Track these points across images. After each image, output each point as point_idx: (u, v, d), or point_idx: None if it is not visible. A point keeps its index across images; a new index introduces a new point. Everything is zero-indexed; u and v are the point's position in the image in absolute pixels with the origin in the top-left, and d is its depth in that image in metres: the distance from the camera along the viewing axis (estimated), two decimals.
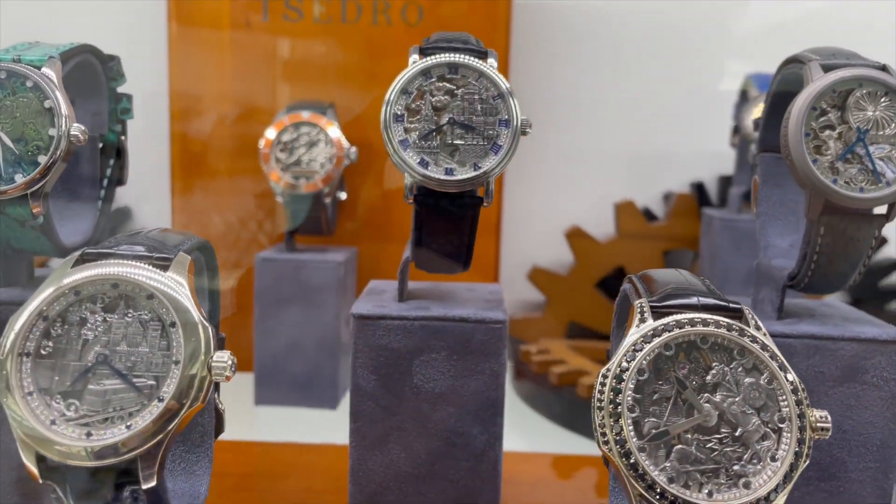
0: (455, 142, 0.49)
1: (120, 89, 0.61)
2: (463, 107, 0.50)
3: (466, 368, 0.52)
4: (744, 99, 1.01)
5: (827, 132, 0.49)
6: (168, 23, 0.99)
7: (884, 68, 0.51)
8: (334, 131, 0.90)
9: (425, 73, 0.50)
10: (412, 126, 0.49)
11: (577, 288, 1.11)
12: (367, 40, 1.00)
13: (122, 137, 0.62)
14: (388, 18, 1.00)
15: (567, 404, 0.91)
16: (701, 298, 0.37)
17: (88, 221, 0.59)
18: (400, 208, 1.03)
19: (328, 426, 0.89)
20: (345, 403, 0.95)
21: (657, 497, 0.33)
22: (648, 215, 1.15)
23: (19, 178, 0.49)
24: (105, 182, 0.61)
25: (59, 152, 0.49)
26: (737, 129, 1.03)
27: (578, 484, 0.74)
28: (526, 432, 0.91)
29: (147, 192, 1.15)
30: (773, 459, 0.34)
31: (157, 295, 0.35)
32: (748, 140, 0.94)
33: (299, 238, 0.96)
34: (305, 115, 0.91)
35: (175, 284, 0.35)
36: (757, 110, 0.93)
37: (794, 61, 0.54)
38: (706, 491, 0.33)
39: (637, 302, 0.37)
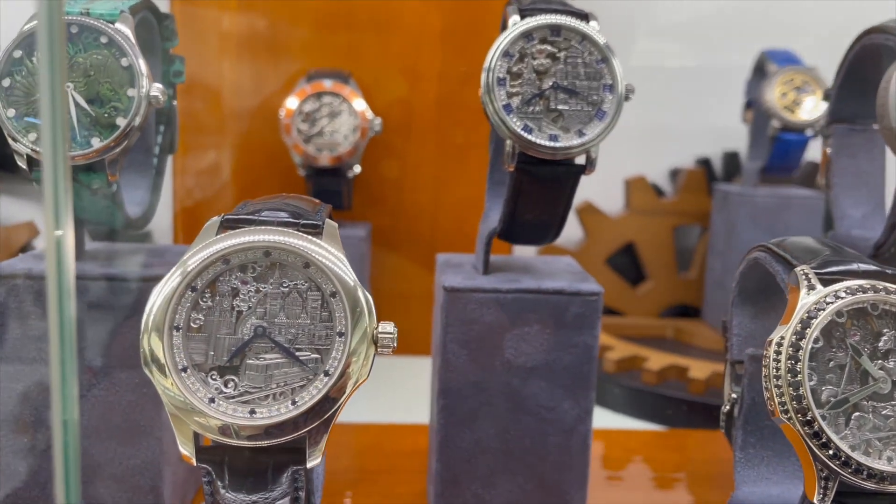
0: (559, 107, 0.48)
1: (172, 50, 0.57)
2: (566, 71, 0.48)
3: (560, 342, 0.51)
4: (760, 74, 1.01)
5: None
6: None
7: None
8: (358, 101, 0.87)
9: (527, 35, 0.48)
10: (514, 90, 0.48)
11: (588, 263, 1.10)
12: (381, 6, 0.97)
13: (174, 102, 0.58)
14: None
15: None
16: (861, 265, 0.36)
17: (146, 191, 0.55)
18: (412, 182, 1.01)
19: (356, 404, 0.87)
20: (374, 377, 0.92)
21: (841, 465, 0.32)
22: (657, 191, 1.15)
23: (96, 143, 0.45)
24: (157, 150, 0.57)
25: (139, 116, 0.46)
26: (750, 104, 1.04)
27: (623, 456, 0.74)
28: None
29: None
30: None
31: (316, 263, 0.32)
32: (766, 115, 0.95)
33: None
34: (328, 84, 0.87)
35: (329, 253, 0.33)
36: (779, 85, 0.94)
37: (877, 31, 0.54)
38: (886, 457, 0.33)
39: (801, 269, 0.36)
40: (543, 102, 0.48)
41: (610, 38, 1.21)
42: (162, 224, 1.13)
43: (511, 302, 0.50)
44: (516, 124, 0.47)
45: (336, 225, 0.35)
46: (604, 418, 0.86)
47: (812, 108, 0.93)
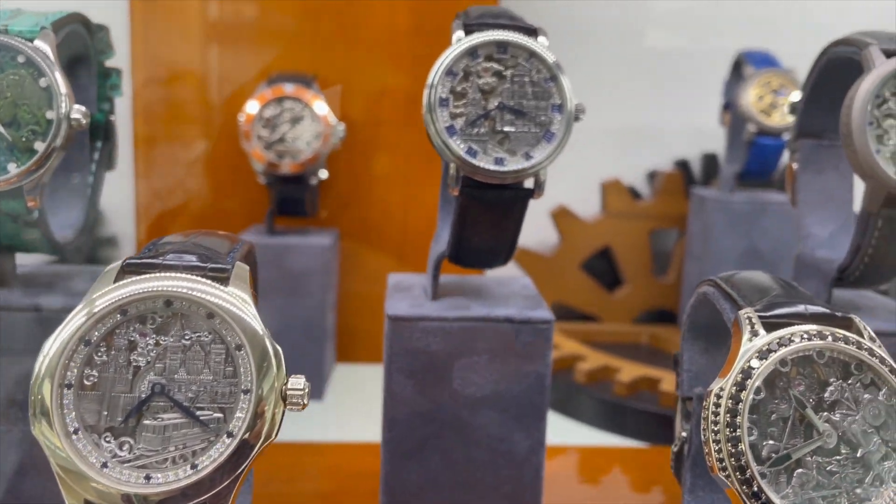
0: (505, 129, 0.45)
1: (108, 63, 0.55)
2: (513, 90, 0.46)
3: (510, 371, 0.49)
4: (737, 76, 0.99)
5: (889, 121, 0.47)
6: None
7: None
8: (320, 106, 0.85)
9: (472, 52, 0.45)
10: (458, 111, 0.45)
11: (563, 268, 1.09)
12: (347, 6, 0.94)
13: (111, 117, 0.55)
14: None
15: (563, 391, 0.88)
16: (808, 306, 0.34)
17: (79, 212, 0.53)
18: (382, 188, 0.98)
19: (317, 419, 0.85)
20: (330, 392, 0.91)
21: None
22: (633, 194, 1.13)
23: (13, 168, 0.43)
24: (93, 167, 0.55)
25: (58, 138, 0.43)
26: (727, 106, 1.01)
27: (592, 476, 0.72)
28: None
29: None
30: None
31: (220, 313, 0.30)
32: (742, 118, 0.93)
33: (279, 220, 0.90)
34: (289, 88, 0.85)
35: (238, 300, 0.31)
36: (755, 88, 0.91)
37: (844, 44, 0.52)
38: None
39: (744, 313, 0.34)
40: (489, 123, 0.45)
41: (587, 37, 1.19)
42: (126, 230, 1.11)
43: (458, 331, 0.48)
44: (460, 147, 0.45)
45: (247, 267, 0.32)
46: (574, 431, 0.85)
47: (789, 111, 0.91)
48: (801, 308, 0.34)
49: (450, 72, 0.45)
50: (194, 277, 0.30)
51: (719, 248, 0.95)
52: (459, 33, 0.46)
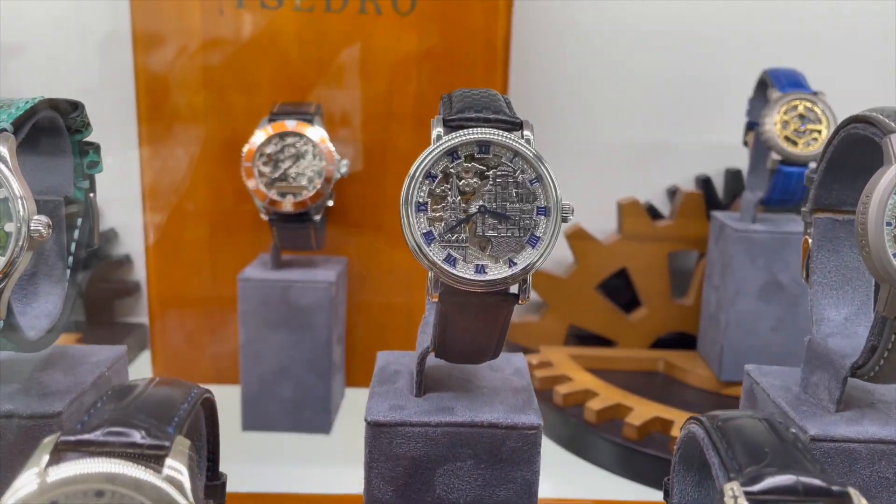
0: (487, 233, 0.43)
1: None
2: (495, 192, 0.43)
3: (495, 478, 0.46)
4: (762, 95, 0.94)
5: None
6: (132, 21, 0.89)
7: None
8: (323, 142, 0.82)
9: (451, 152, 0.42)
10: (437, 215, 0.42)
11: (578, 291, 1.06)
12: (354, 32, 0.91)
13: (91, 195, 0.54)
14: (377, 7, 0.91)
15: (574, 428, 0.86)
16: (803, 479, 0.31)
17: (55, 299, 0.51)
18: (392, 212, 0.96)
19: (325, 454, 0.84)
20: (338, 427, 0.90)
21: None
22: (652, 212, 1.09)
23: None
24: (73, 247, 0.53)
25: (19, 252, 0.41)
26: (751, 126, 0.96)
27: None
28: None
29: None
30: None
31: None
32: (765, 144, 0.88)
33: (285, 250, 0.89)
34: (290, 124, 0.82)
35: (171, 488, 0.29)
36: (780, 114, 0.87)
37: (864, 122, 0.48)
38: None
39: (729, 487, 0.31)
40: (470, 228, 0.43)
41: (609, 48, 1.14)
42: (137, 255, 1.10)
43: (442, 436, 0.46)
44: (437, 255, 0.42)
45: (188, 442, 0.30)
46: (585, 473, 0.83)
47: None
48: (792, 481, 0.31)
49: (428, 174, 0.42)
50: (127, 464, 0.28)
51: (738, 280, 0.91)
52: (439, 130, 0.43)
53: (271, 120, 0.83)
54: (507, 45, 0.93)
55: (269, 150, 0.82)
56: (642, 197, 1.11)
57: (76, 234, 0.53)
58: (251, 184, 0.81)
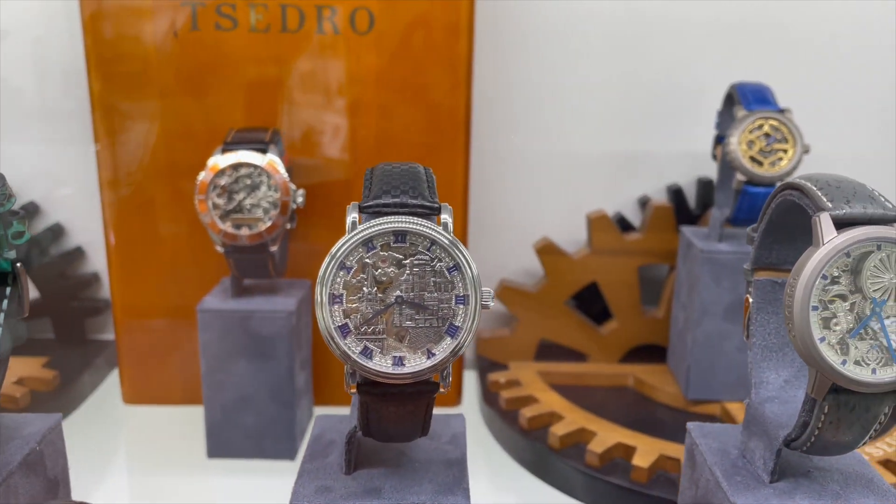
0: (405, 324, 0.42)
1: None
2: (413, 281, 0.42)
3: None
4: (729, 108, 0.92)
5: (837, 303, 0.42)
6: (85, 45, 0.87)
7: None
8: (278, 172, 0.81)
9: (367, 242, 0.41)
10: (353, 307, 0.42)
11: (549, 305, 1.05)
12: (312, 52, 0.89)
13: (18, 264, 0.53)
14: (334, 27, 0.89)
15: (538, 452, 0.86)
16: None
17: None
18: None
19: (289, 480, 0.84)
20: (303, 452, 0.89)
21: None
22: (623, 223, 1.08)
23: None
24: (1, 317, 0.52)
25: None
26: (720, 139, 0.95)
27: None
28: (492, 475, 0.87)
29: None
30: None
31: None
32: (730, 165, 0.86)
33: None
34: (244, 154, 0.81)
35: None
36: (746, 133, 0.85)
37: (798, 191, 0.46)
38: None
39: None
40: (387, 318, 0.42)
41: (579, 56, 1.12)
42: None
43: None
44: (354, 347, 0.41)
45: None
46: (548, 499, 0.83)
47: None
48: None
49: (342, 266, 0.41)
50: None
51: (704, 299, 0.90)
52: (354, 216, 0.42)
53: (225, 150, 0.81)
54: (470, 60, 0.91)
55: (222, 181, 0.81)
56: (614, 207, 1.10)
57: (5, 304, 0.52)
58: (205, 217, 0.80)
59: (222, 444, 0.88)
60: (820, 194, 0.44)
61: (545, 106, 1.06)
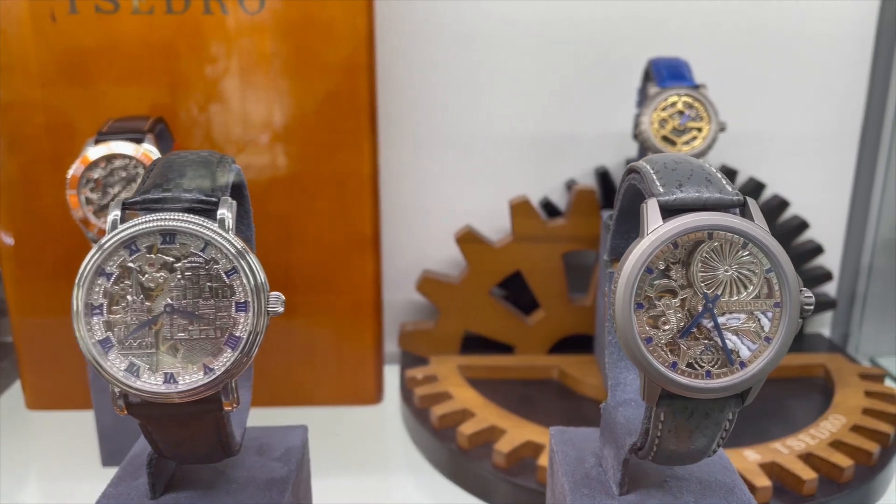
0: (177, 335, 0.37)
1: None
2: (185, 287, 0.37)
3: None
4: (646, 85, 0.87)
5: (665, 299, 0.38)
6: None
7: (743, 203, 0.38)
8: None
9: (129, 244, 0.37)
10: (116, 318, 0.37)
11: (472, 295, 1.00)
12: (198, 34, 0.84)
13: None
14: (223, 7, 0.83)
15: (448, 453, 0.82)
16: None
17: None
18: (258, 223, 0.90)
19: None
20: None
21: None
22: (549, 208, 1.03)
23: None
24: None
25: None
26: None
27: None
28: (408, 477, 0.82)
29: None
30: None
31: None
32: (643, 144, 0.82)
33: None
34: (119, 145, 0.76)
35: None
36: (658, 111, 0.80)
37: (637, 172, 0.42)
38: None
39: None
40: (156, 330, 0.37)
41: (499, 33, 1.05)
42: None
43: None
44: (118, 365, 0.37)
45: None
46: (457, 500, 0.78)
47: (697, 141, 0.80)
48: None
49: (101, 272, 0.36)
50: None
51: None
52: (116, 214, 0.37)
53: (98, 141, 0.76)
54: (371, 38, 0.86)
55: (95, 174, 0.75)
56: (540, 192, 1.05)
57: None
58: (77, 213, 0.75)
59: (116, 451, 0.83)
60: (655, 177, 0.39)
61: (464, 88, 1.01)
